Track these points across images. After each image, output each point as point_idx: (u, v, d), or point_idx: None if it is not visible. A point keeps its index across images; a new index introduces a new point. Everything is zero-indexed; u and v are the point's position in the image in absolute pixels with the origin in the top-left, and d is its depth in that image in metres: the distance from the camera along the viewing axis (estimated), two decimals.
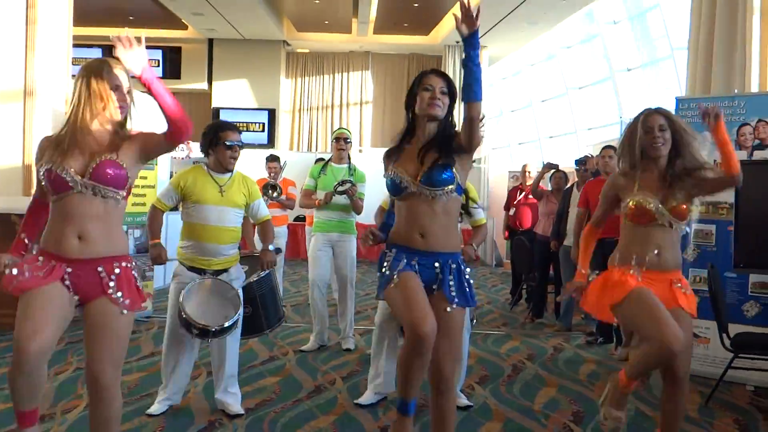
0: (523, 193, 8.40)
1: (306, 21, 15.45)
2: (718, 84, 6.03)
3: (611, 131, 12.84)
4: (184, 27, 15.81)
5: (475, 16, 2.72)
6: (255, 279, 4.39)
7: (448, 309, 2.89)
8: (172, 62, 16.40)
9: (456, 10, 2.74)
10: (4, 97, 6.23)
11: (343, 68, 16.92)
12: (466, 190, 4.04)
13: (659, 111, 3.32)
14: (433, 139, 2.97)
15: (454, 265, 2.95)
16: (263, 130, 16.15)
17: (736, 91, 5.62)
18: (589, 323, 6.76)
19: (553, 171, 7.81)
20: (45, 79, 6.60)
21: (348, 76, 16.86)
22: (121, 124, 2.79)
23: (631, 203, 3.26)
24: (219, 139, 4.05)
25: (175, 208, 4.23)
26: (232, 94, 16.24)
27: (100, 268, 2.68)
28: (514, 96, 17.82)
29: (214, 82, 16.40)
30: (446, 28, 14.98)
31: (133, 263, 2.82)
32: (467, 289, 2.97)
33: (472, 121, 2.84)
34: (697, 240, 5.34)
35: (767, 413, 4.43)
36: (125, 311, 2.69)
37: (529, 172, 8.49)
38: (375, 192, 5.32)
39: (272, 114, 16.21)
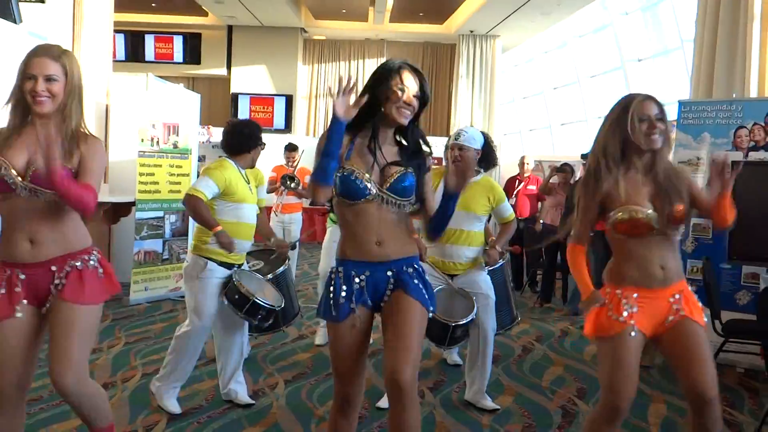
0: (522, 184, 8.77)
1: (323, 9, 15.81)
2: (720, 86, 6.42)
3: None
4: (205, 14, 16.20)
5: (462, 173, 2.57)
6: (271, 277, 4.36)
7: (412, 307, 2.57)
8: (192, 48, 16.82)
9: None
10: None
11: (359, 55, 17.30)
12: (492, 188, 4.24)
13: (653, 98, 2.82)
14: (394, 144, 2.68)
15: (411, 269, 2.64)
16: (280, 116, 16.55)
17: (734, 95, 6.01)
18: None
19: (561, 165, 8.24)
20: (89, 73, 7.07)
21: (364, 63, 17.23)
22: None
23: (620, 215, 2.76)
24: (260, 141, 4.23)
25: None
26: (251, 80, 16.63)
27: (53, 268, 2.60)
28: (526, 83, 18.10)
29: (233, 68, 16.80)
30: (461, 18, 15.30)
31: (93, 254, 2.69)
32: (426, 292, 2.64)
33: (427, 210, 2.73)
34: (696, 233, 5.77)
35: (754, 392, 4.89)
36: (79, 305, 2.57)
37: (527, 164, 8.85)
38: None
39: (289, 100, 16.61)
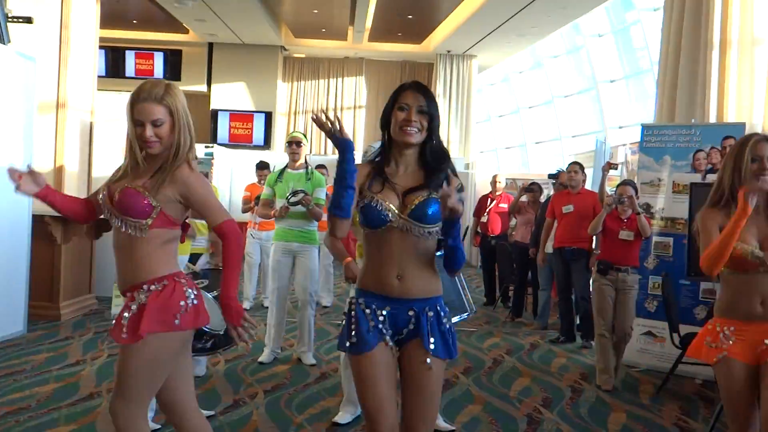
0: (494, 202, 9.05)
1: (303, 28, 16.06)
2: (682, 111, 6.74)
3: (598, 137, 13.46)
4: (186, 31, 16.36)
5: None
6: (216, 294, 4.20)
7: (428, 360, 2.48)
8: (172, 64, 16.94)
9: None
10: (41, 108, 6.86)
11: (338, 73, 17.57)
12: None
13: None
14: (418, 169, 2.57)
15: (431, 313, 2.53)
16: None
17: (693, 120, 6.34)
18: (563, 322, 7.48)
19: (529, 185, 8.56)
20: (75, 92, 7.28)
21: (342, 81, 17.52)
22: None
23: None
24: None
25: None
26: (231, 97, 16.80)
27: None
28: (501, 102, 18.49)
29: (213, 85, 16.96)
30: (438, 38, 15.66)
31: (180, 281, 2.63)
32: (449, 339, 2.54)
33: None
34: (657, 251, 6.07)
35: (709, 401, 5.15)
36: (144, 340, 2.50)
37: (499, 182, 9.14)
38: None
39: (269, 117, 16.82)
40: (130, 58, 16.86)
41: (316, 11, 14.42)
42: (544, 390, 5.30)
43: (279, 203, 5.57)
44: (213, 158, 11.50)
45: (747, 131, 5.99)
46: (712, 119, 6.38)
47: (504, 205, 8.93)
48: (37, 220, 6.32)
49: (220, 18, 14.39)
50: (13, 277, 6.09)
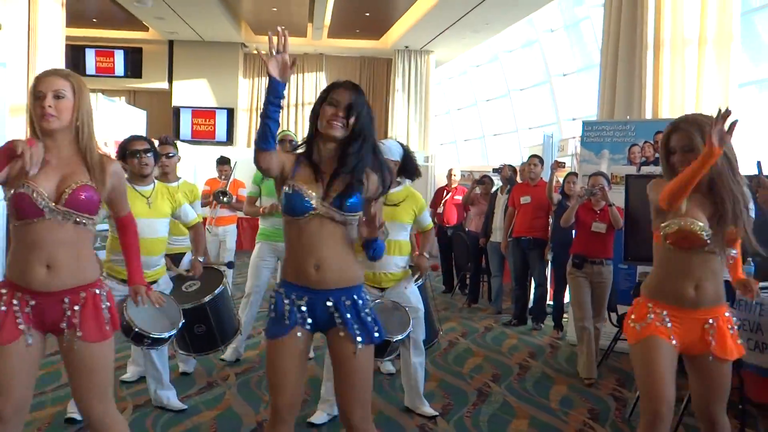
0: (449, 194, 9.47)
1: (263, 25, 16.26)
2: (620, 107, 7.24)
3: (548, 131, 13.84)
4: (146, 29, 16.50)
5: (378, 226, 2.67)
6: (210, 298, 4.42)
7: (355, 352, 2.59)
8: (133, 62, 17.06)
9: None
10: (13, 111, 7.09)
11: (298, 69, 17.81)
12: (415, 198, 4.34)
13: (678, 128, 2.84)
14: (341, 160, 2.64)
15: (348, 302, 2.63)
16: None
17: (628, 117, 6.84)
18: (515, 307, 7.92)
19: (481, 177, 9.04)
20: None
21: (303, 77, 17.80)
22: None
23: (674, 226, 2.76)
24: (127, 152, 4.16)
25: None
26: (192, 94, 17.01)
27: (66, 299, 2.57)
28: (460, 95, 18.87)
29: (174, 82, 17.13)
30: (396, 34, 16.04)
31: (102, 288, 2.67)
32: (370, 326, 2.64)
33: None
34: None
35: None
36: (93, 346, 2.57)
37: (454, 175, 9.55)
38: None
39: (231, 113, 17.04)
40: (90, 56, 16.95)
41: (275, 9, 14.67)
42: (495, 367, 5.76)
43: (267, 201, 5.42)
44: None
45: None
46: (648, 115, 6.88)
47: (459, 197, 9.36)
48: None
49: (179, 16, 14.57)
50: None
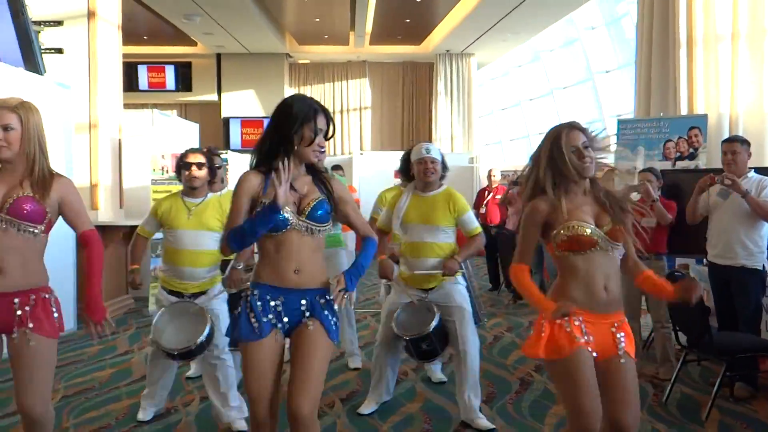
0: (491, 194, 9.71)
1: (306, 35, 16.72)
2: (656, 104, 7.40)
3: (593, 128, 13.83)
4: (194, 43, 17.05)
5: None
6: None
7: (310, 326, 2.75)
8: (183, 76, 17.66)
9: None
10: (78, 129, 7.60)
11: (342, 77, 18.24)
12: (454, 200, 4.30)
13: (577, 126, 2.90)
14: (306, 175, 2.85)
15: (323, 301, 2.80)
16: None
17: (661, 114, 7.00)
18: None
19: (516, 178, 9.25)
20: (104, 113, 8.03)
21: (347, 84, 18.19)
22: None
23: (563, 231, 2.77)
24: (182, 166, 4.27)
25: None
26: (240, 104, 17.54)
27: (16, 300, 2.75)
28: (503, 95, 18.99)
29: (223, 93, 17.69)
30: (437, 39, 16.31)
31: (52, 293, 2.88)
32: (333, 325, 2.80)
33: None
34: None
35: None
36: (42, 340, 2.75)
37: (494, 176, 9.78)
38: (375, 191, 5.87)
39: None
40: (142, 72, 17.57)
41: (317, 19, 15.09)
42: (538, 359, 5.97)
43: None
44: (227, 164, 12.24)
45: (712, 122, 6.66)
46: (684, 111, 7.03)
47: (500, 197, 9.59)
48: None
49: (226, 30, 15.04)
50: (64, 281, 6.80)
